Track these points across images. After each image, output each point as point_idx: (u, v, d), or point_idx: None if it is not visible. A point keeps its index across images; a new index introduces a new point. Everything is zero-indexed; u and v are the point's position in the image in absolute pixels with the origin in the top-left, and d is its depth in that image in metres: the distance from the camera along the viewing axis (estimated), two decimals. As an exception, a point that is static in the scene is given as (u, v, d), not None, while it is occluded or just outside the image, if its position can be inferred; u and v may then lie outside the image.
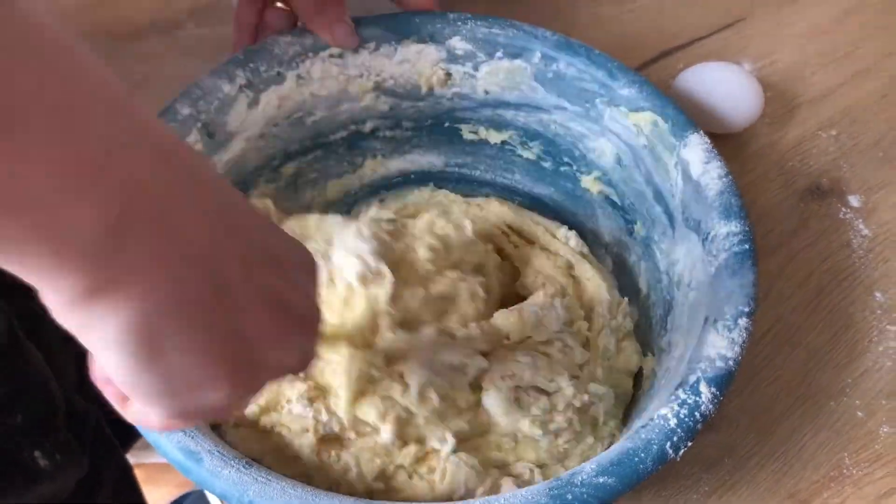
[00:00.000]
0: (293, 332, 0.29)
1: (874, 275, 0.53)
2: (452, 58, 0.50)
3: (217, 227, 0.25)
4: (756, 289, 0.40)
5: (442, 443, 0.41)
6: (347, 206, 0.55)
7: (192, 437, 0.35)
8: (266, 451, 0.41)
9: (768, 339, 0.50)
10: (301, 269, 0.30)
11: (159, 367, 0.25)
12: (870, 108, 0.61)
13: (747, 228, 0.42)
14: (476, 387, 0.43)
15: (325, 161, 0.53)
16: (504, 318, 0.45)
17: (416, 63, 0.50)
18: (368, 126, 0.52)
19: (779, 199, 0.56)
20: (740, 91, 0.55)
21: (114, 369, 0.26)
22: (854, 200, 0.56)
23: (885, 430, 0.47)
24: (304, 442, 0.41)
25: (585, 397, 0.43)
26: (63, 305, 0.23)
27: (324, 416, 0.40)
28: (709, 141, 0.46)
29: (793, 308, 0.51)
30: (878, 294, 0.52)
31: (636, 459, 0.35)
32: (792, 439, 0.46)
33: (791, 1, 0.67)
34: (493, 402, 0.42)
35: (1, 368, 0.64)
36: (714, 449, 0.46)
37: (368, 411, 0.40)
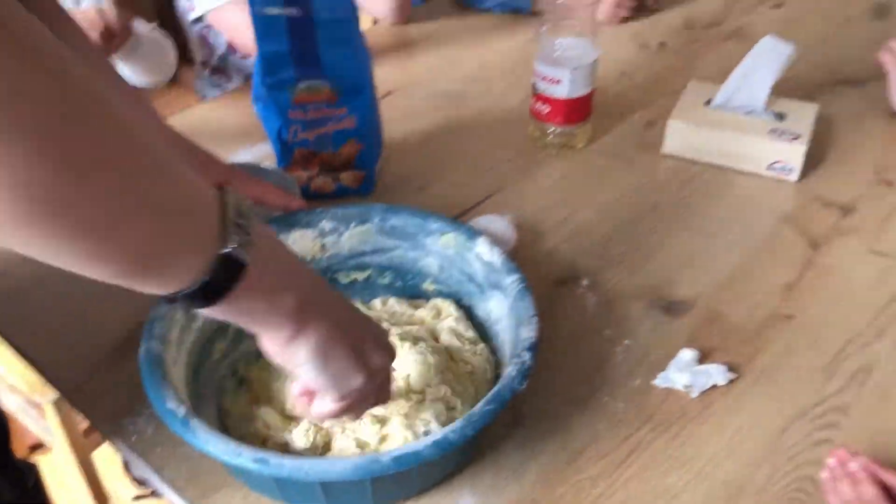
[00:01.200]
0: (380, 356, 0.59)
1: (601, 322, 0.84)
2: (323, 233, 0.81)
3: (341, 306, 0.57)
4: (535, 305, 0.71)
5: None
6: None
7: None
8: None
9: (540, 369, 0.80)
10: (377, 338, 0.60)
11: (330, 368, 0.54)
12: (585, 230, 0.96)
13: (522, 276, 0.74)
14: None
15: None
16: None
17: (300, 242, 0.80)
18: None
19: (539, 289, 0.87)
20: (501, 231, 0.90)
21: (309, 375, 0.54)
22: (585, 282, 0.90)
23: (620, 405, 0.77)
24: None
25: None
26: (280, 347, 0.52)
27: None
28: (490, 240, 0.78)
29: (552, 352, 0.80)
30: (606, 331, 0.83)
31: (502, 394, 0.63)
32: (568, 423, 0.76)
33: (532, 175, 1.05)
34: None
35: None
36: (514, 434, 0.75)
37: None
